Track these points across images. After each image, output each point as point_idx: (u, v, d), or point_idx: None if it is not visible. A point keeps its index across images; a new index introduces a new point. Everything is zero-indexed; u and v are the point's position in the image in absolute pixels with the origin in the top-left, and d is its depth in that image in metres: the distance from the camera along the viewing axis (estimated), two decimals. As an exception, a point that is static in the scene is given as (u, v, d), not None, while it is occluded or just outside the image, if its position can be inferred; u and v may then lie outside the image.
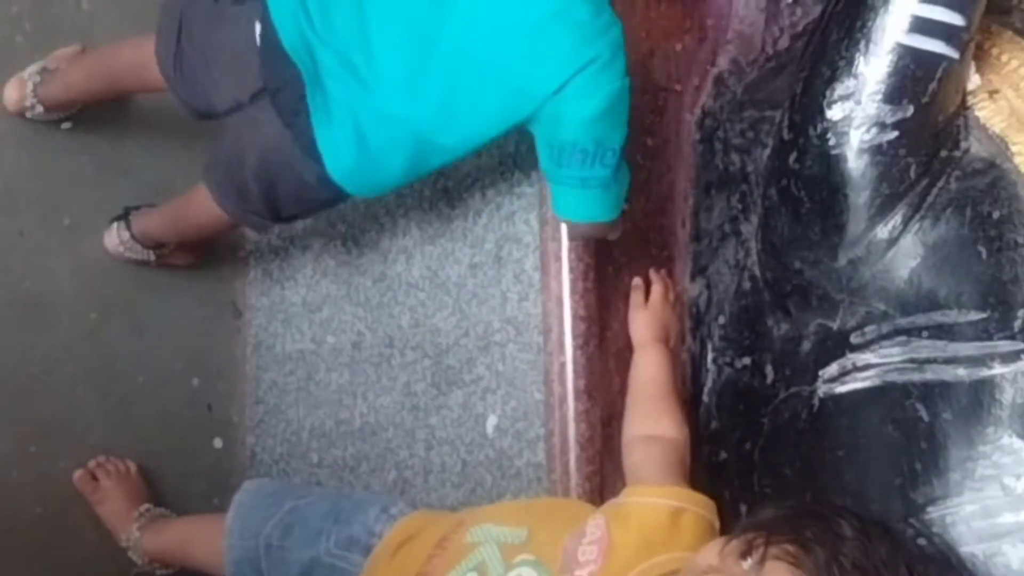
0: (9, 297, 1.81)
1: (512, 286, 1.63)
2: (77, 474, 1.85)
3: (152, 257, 1.94)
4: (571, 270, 1.52)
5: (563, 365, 1.52)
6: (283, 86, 1.46)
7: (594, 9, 1.33)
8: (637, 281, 1.61)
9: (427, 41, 1.38)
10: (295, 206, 1.63)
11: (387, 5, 1.40)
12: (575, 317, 1.52)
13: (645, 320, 1.57)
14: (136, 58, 1.67)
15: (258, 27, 1.46)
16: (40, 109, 1.81)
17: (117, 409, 1.93)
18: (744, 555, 1.04)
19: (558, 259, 1.53)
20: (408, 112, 1.43)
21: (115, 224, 1.91)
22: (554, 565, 1.18)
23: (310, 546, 1.44)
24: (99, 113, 1.91)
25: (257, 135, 1.52)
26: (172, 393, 2.02)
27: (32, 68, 1.82)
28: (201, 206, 1.71)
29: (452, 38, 1.37)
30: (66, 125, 1.89)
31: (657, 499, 1.26)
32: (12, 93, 1.82)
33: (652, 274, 1.63)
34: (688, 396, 1.64)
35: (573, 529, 1.23)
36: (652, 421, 1.44)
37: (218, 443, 2.08)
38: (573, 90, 1.33)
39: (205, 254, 2.07)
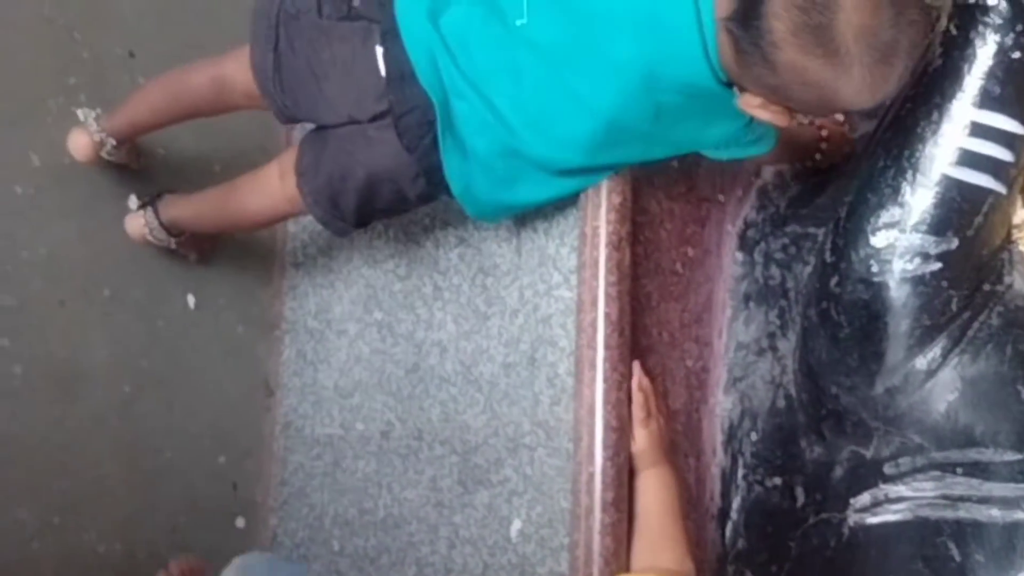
0: (45, 366, 1.82)
1: (545, 389, 1.62)
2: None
3: (173, 244, 1.93)
4: (605, 379, 1.51)
5: (592, 475, 1.50)
6: (409, 111, 1.49)
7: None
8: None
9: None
10: (383, 216, 1.71)
11: (535, 46, 1.42)
12: (607, 427, 1.50)
13: (637, 451, 1.52)
14: (210, 78, 1.71)
15: (379, 51, 1.49)
16: (112, 142, 1.83)
17: (143, 484, 1.93)
18: None
19: (593, 367, 1.52)
20: (542, 152, 1.46)
21: (142, 211, 1.90)
22: None
23: None
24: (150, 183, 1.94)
25: (372, 153, 1.55)
26: (198, 470, 2.02)
27: (84, 113, 1.85)
28: (253, 201, 1.74)
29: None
30: (132, 202, 1.93)
31: None
32: (79, 139, 1.83)
33: (634, 391, 1.55)
34: (716, 511, 1.62)
35: None
36: (661, 555, 1.41)
37: (240, 523, 2.07)
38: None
39: (211, 254, 2.06)
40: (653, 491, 1.49)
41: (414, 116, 1.48)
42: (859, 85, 1.19)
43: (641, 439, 1.51)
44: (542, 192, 1.55)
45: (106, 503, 1.88)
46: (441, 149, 1.49)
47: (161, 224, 1.89)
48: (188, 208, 1.88)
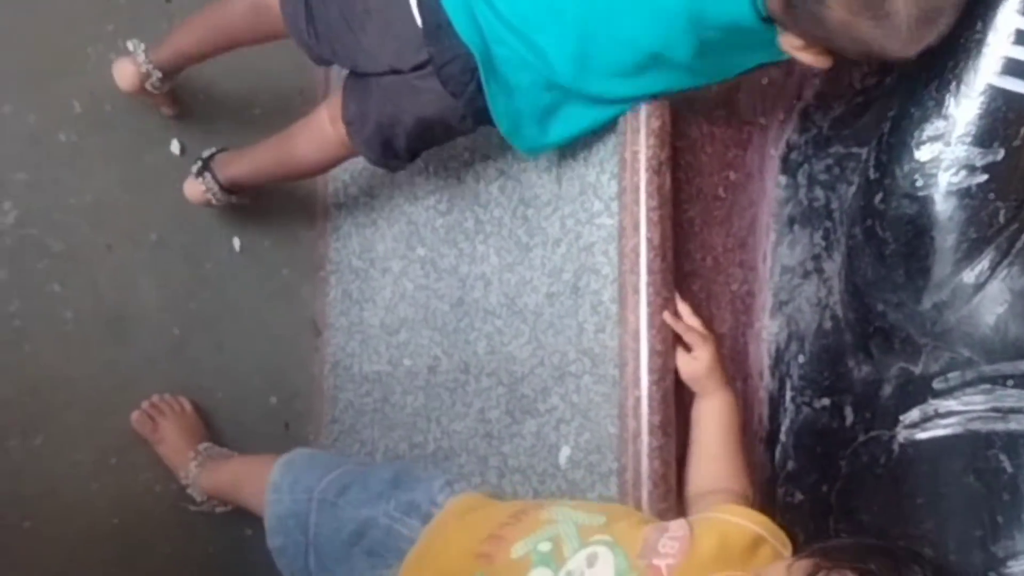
0: (95, 310, 1.85)
1: (589, 317, 1.62)
2: (135, 415, 1.87)
3: (234, 200, 1.95)
4: (649, 303, 1.50)
5: (638, 399, 1.50)
6: (451, 60, 1.49)
7: None
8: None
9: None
10: (432, 147, 1.73)
11: None
12: (652, 352, 1.50)
13: (692, 375, 1.49)
14: (250, 11, 1.72)
15: (413, 2, 1.49)
16: (158, 74, 1.83)
17: (196, 424, 1.96)
18: None
19: (636, 292, 1.52)
20: (586, 85, 1.46)
21: (200, 177, 1.91)
22: (631, 549, 1.18)
23: (367, 506, 1.44)
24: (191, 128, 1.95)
25: (418, 101, 1.56)
26: (250, 410, 2.04)
27: (134, 44, 1.84)
28: (310, 150, 1.76)
29: None
30: (175, 147, 1.94)
31: (745, 521, 1.25)
32: (125, 68, 1.83)
33: (679, 324, 1.50)
34: (765, 434, 1.62)
35: (655, 524, 1.24)
36: (723, 482, 1.40)
37: (294, 461, 2.09)
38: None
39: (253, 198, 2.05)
40: (718, 416, 1.46)
41: (456, 65, 1.48)
42: (905, 41, 1.20)
43: (705, 357, 1.47)
44: (586, 119, 1.54)
45: (161, 444, 1.91)
46: (487, 94, 1.49)
47: (221, 187, 1.90)
48: (245, 165, 1.89)
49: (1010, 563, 1.27)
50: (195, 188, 1.92)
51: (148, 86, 1.84)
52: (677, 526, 1.22)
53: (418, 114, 1.58)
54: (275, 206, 2.09)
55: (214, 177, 1.90)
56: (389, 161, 1.69)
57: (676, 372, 1.52)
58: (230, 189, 1.91)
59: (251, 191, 1.98)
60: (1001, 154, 1.32)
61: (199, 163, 1.93)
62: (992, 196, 1.34)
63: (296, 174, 1.92)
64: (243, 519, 1.88)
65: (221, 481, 1.83)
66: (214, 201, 1.92)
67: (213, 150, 1.93)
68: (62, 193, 1.83)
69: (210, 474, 1.84)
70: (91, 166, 1.86)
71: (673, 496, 1.51)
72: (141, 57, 1.82)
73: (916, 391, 1.40)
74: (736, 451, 1.43)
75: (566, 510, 1.28)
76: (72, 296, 1.82)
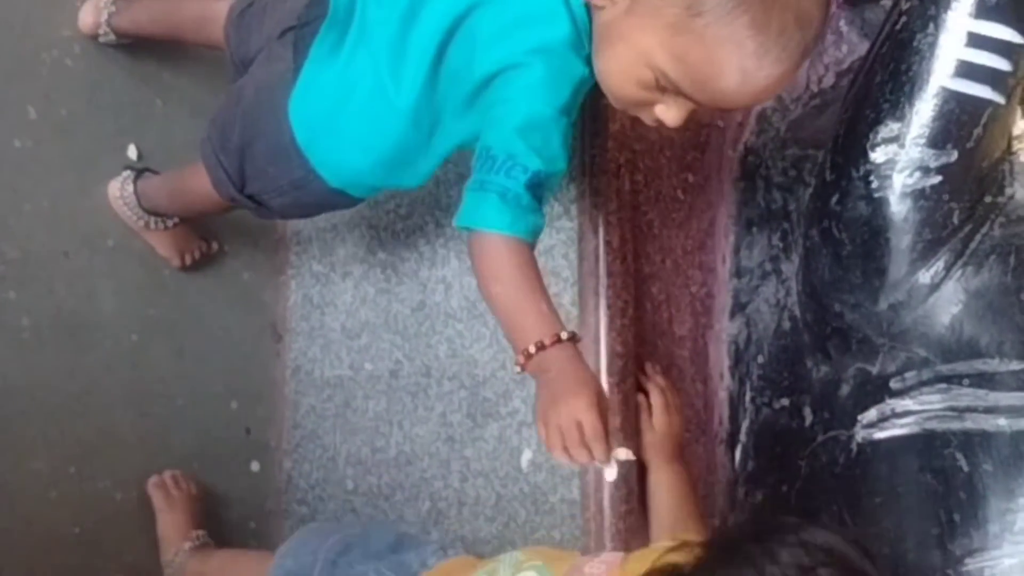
0: (52, 317, 1.83)
1: (550, 320, 1.63)
2: (152, 479, 1.88)
3: (143, 222, 1.90)
4: (609, 307, 1.51)
5: (599, 402, 1.51)
6: (310, 21, 1.46)
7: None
8: (643, 400, 1.56)
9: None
10: (260, 179, 1.57)
11: None
12: (612, 354, 1.51)
13: (653, 443, 1.53)
14: (200, 11, 1.73)
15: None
16: (112, 37, 1.86)
17: (156, 431, 1.94)
18: None
19: (596, 294, 1.53)
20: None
21: (124, 173, 1.89)
22: (559, 571, 1.20)
23: (364, 563, 1.46)
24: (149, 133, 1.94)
25: (266, 70, 1.51)
26: (210, 416, 2.03)
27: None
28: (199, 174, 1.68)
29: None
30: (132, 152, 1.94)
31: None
32: (88, 17, 1.86)
33: (650, 384, 1.57)
34: (725, 435, 1.63)
35: (592, 556, 1.26)
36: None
37: (255, 466, 2.08)
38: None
39: (210, 250, 2.04)
40: (668, 486, 1.49)
41: (312, 27, 1.45)
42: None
43: (661, 426, 1.52)
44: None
45: (120, 451, 1.89)
46: (311, 51, 1.44)
47: (135, 193, 1.87)
48: (156, 183, 1.88)
49: (967, 560, 1.28)
50: (114, 185, 1.88)
51: (100, 39, 1.87)
52: (612, 555, 1.23)
53: (258, 85, 1.52)
54: (235, 211, 2.08)
55: (133, 181, 1.87)
56: (218, 168, 1.61)
57: (636, 375, 1.53)
58: (141, 200, 1.87)
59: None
60: (955, 155, 1.34)
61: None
62: (947, 197, 1.35)
63: (191, 201, 1.83)
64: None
65: (210, 568, 1.83)
66: (121, 204, 1.88)
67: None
68: (17, 199, 1.80)
69: (198, 563, 1.83)
70: (47, 172, 1.84)
71: (635, 498, 1.52)
72: (104, 16, 1.84)
73: (873, 391, 1.41)
74: (680, 521, 1.45)
75: (517, 553, 1.31)
76: (29, 303, 1.80)
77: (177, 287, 1.99)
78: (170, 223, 1.92)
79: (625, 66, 1.24)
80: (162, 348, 1.97)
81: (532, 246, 1.29)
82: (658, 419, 1.53)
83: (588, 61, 1.29)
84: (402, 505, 1.86)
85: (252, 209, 1.65)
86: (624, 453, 1.22)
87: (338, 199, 1.58)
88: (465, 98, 1.35)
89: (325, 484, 2.01)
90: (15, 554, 1.75)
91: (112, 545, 1.86)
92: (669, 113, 1.26)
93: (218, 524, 1.96)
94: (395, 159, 1.47)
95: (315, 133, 1.48)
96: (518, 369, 1.24)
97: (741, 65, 1.16)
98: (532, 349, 1.21)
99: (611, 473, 1.22)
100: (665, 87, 1.22)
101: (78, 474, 1.83)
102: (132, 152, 1.93)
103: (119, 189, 1.88)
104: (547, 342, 1.21)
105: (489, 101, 1.30)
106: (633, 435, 1.51)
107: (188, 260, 1.99)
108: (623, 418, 1.49)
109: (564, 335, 1.22)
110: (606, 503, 1.50)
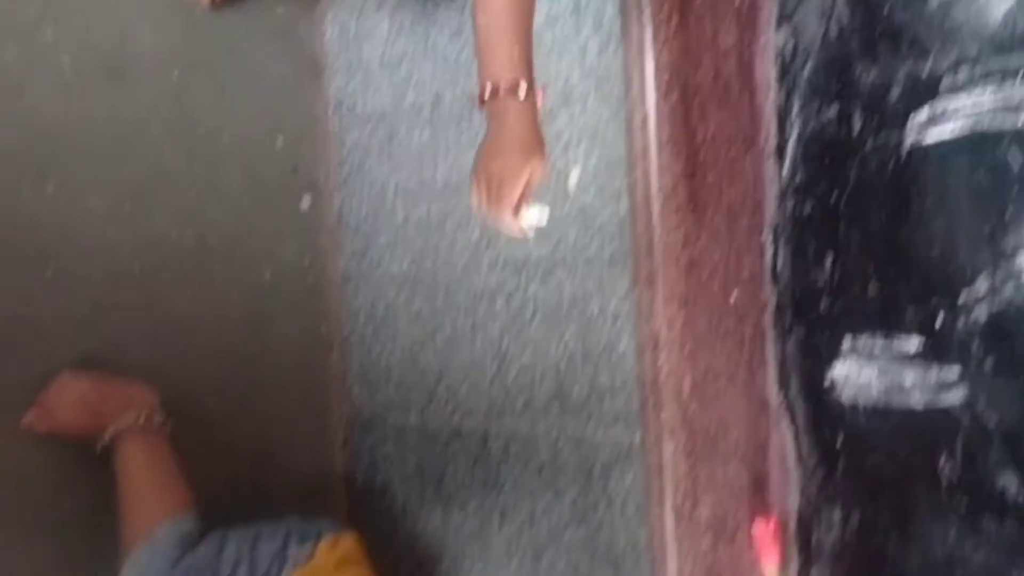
0: (91, 57, 1.81)
1: (591, 36, 1.59)
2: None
3: None
4: (653, 17, 1.48)
5: (645, 117, 1.49)
6: None
7: None
8: None
9: None
10: None
11: None
12: (657, 67, 1.48)
13: None
14: None
15: None
16: None
17: (205, 170, 1.95)
18: None
19: (639, 6, 1.49)
20: None
21: None
22: None
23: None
24: None
25: None
26: (257, 154, 2.03)
27: None
28: None
29: None
30: None
31: None
32: None
33: None
34: (773, 147, 1.62)
35: None
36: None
37: (306, 203, 2.10)
38: None
39: None
40: None
41: None
42: None
43: None
44: None
45: (172, 191, 1.91)
46: None
47: None
48: None
49: (1018, 256, 1.28)
50: None
51: None
52: None
53: None
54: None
55: None
56: None
57: (683, 87, 1.51)
58: None
59: None
60: None
61: None
62: None
63: None
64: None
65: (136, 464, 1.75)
66: None
67: None
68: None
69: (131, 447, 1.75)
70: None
71: (684, 212, 1.52)
72: None
73: (924, 91, 1.38)
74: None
75: None
76: (67, 42, 1.78)
77: (212, 23, 1.96)
78: None
79: None
80: (204, 85, 1.95)
81: None
82: None
83: None
84: (453, 232, 1.88)
85: None
86: (536, 217, 1.30)
87: None
88: None
89: (376, 217, 2.03)
90: (79, 292, 1.79)
91: (171, 282, 1.90)
92: None
93: (275, 264, 2.00)
94: None
95: None
96: (479, 104, 1.26)
97: None
98: (488, 89, 1.25)
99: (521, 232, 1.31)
100: None
101: (132, 212, 1.85)
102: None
103: None
104: (502, 87, 1.25)
105: None
106: (682, 145, 1.49)
107: None
108: (671, 130, 1.48)
109: (522, 87, 1.24)
110: (655, 218, 1.51)
